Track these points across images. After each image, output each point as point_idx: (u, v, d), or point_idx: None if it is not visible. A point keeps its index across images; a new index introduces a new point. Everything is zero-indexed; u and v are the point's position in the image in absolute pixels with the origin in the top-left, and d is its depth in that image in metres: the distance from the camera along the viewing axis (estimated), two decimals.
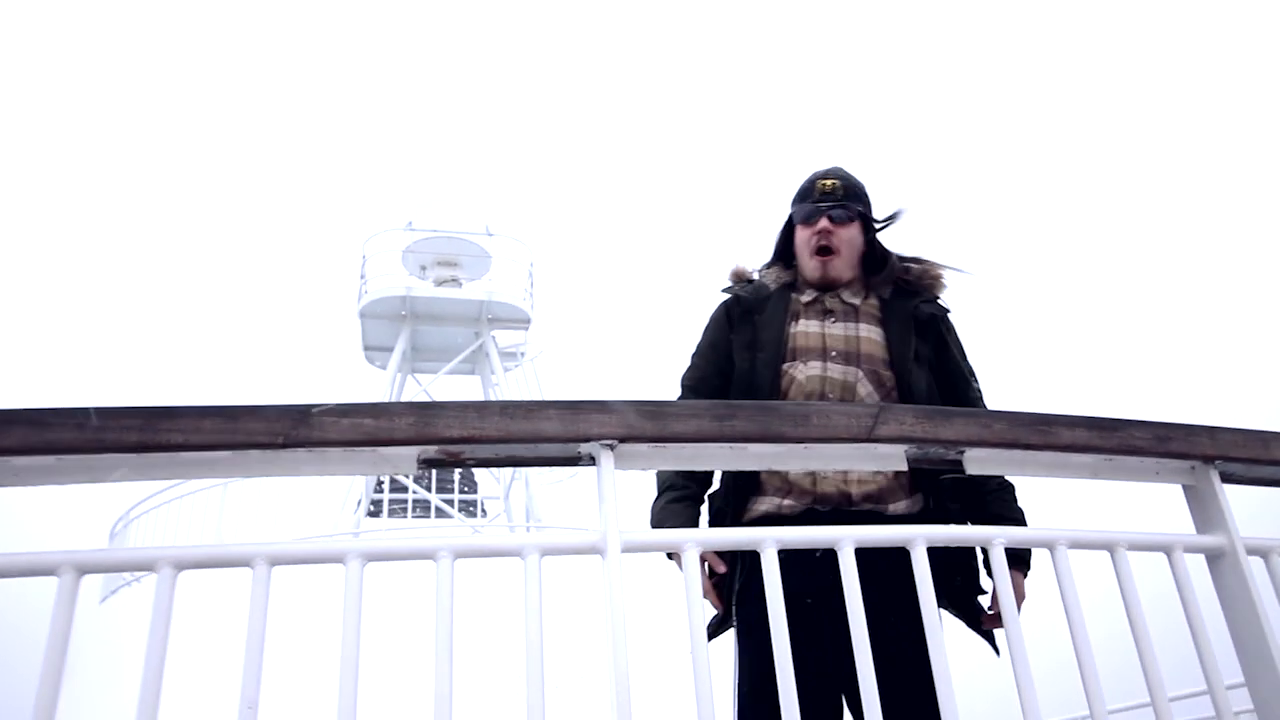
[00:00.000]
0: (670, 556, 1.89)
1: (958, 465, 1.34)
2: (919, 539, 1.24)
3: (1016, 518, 1.80)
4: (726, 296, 2.05)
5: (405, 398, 12.26)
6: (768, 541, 1.19)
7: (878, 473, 1.78)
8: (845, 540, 1.21)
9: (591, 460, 1.22)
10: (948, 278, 2.00)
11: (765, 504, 1.78)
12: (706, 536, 1.21)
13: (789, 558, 1.21)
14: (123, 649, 7.33)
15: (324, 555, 1.12)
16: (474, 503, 11.25)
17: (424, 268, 12.10)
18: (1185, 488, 1.43)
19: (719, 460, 1.25)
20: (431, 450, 1.18)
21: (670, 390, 2.09)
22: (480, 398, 12.30)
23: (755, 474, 1.82)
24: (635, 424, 1.19)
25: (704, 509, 1.91)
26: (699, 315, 2.14)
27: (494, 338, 11.89)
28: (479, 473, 12.33)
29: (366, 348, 12.11)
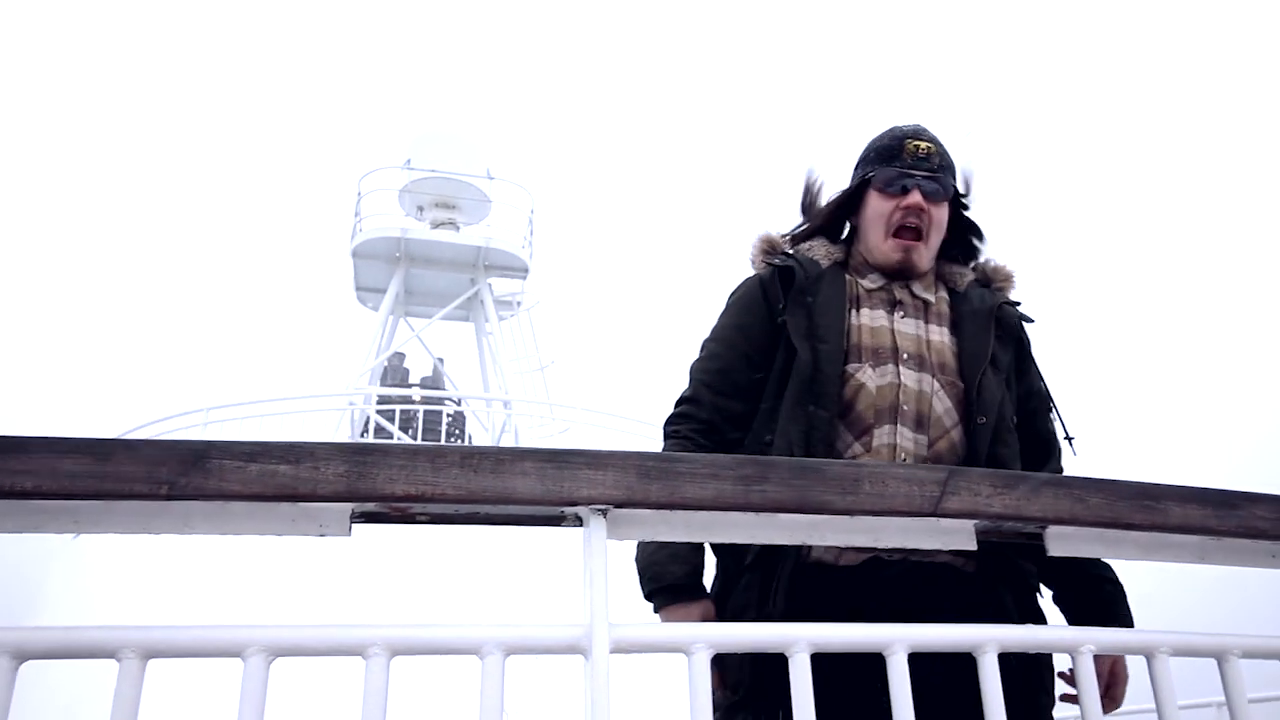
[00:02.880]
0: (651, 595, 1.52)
1: (1036, 541, 1.07)
2: (990, 643, 0.98)
3: (1124, 616, 1.47)
4: (760, 270, 1.64)
5: (398, 342, 11.98)
6: (799, 644, 0.92)
7: None
8: (897, 644, 0.95)
9: (578, 520, 0.95)
10: (1016, 279, 1.66)
11: (816, 549, 1.42)
12: (717, 635, 0.94)
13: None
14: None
15: (217, 647, 0.84)
16: None
17: (421, 208, 11.73)
18: None
19: (740, 530, 0.98)
20: (370, 505, 0.91)
21: (674, 360, 1.72)
22: (474, 349, 12.03)
23: None
24: (637, 486, 0.91)
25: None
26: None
27: (490, 285, 11.56)
28: (470, 420, 12.12)
29: (359, 288, 11.78)
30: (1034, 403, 1.62)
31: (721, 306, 1.69)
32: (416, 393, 11.74)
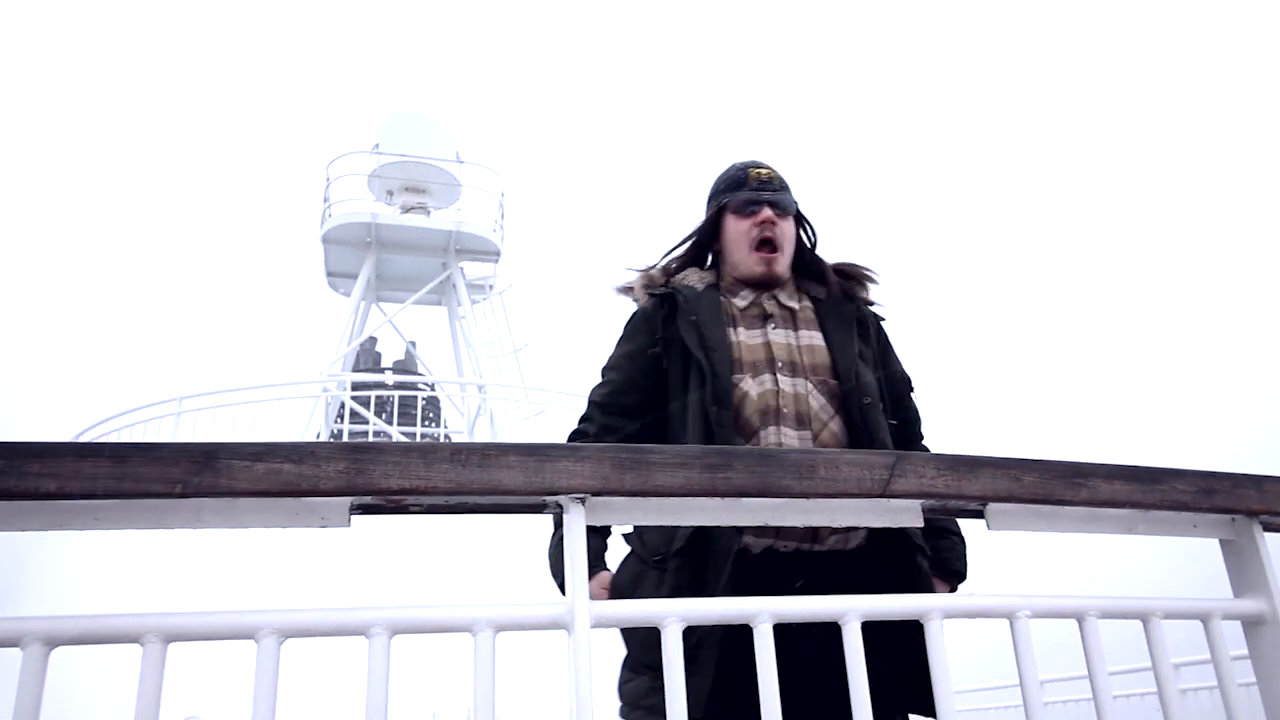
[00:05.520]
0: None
1: (978, 517, 1.17)
2: (935, 611, 1.08)
3: (962, 571, 1.71)
4: (644, 303, 1.82)
5: (370, 327, 11.97)
6: (762, 615, 1.02)
7: None
8: (851, 614, 1.04)
9: (559, 508, 1.03)
10: (875, 280, 1.87)
11: (747, 538, 1.56)
12: (688, 610, 1.03)
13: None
14: None
15: (232, 630, 0.92)
16: (435, 437, 11.06)
17: (390, 193, 11.69)
18: (1223, 543, 1.28)
19: (707, 514, 1.07)
20: (367, 498, 0.99)
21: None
22: (447, 333, 12.04)
23: None
24: (611, 475, 1.00)
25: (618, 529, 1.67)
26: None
27: (462, 269, 11.56)
28: (445, 404, 12.15)
29: (329, 274, 11.74)
30: (897, 386, 1.83)
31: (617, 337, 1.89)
32: (390, 377, 11.75)
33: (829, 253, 1.96)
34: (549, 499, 1.01)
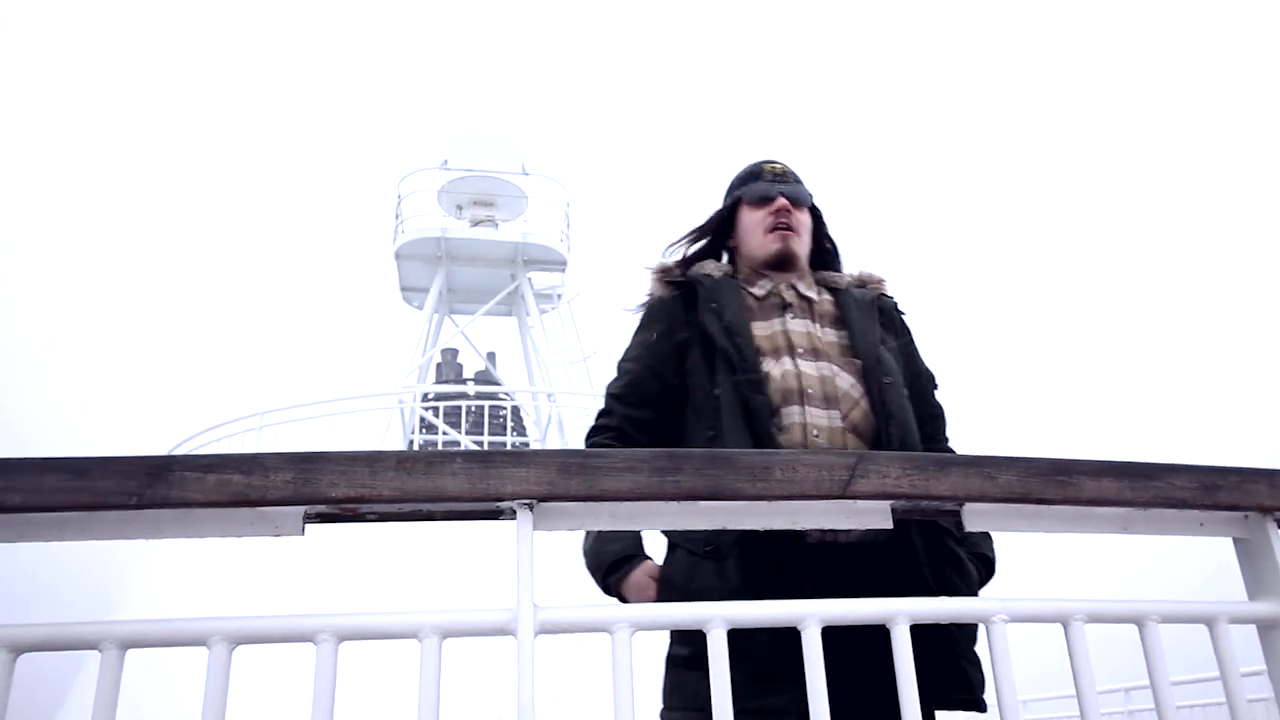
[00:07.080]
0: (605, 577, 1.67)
1: (954, 517, 1.13)
2: (900, 615, 1.04)
3: (991, 557, 1.66)
4: (660, 292, 1.81)
5: (443, 339, 12.21)
6: (715, 621, 1.00)
7: None
8: (810, 619, 1.01)
9: (512, 514, 1.03)
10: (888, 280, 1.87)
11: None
12: (641, 615, 1.02)
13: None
14: None
15: (180, 637, 0.95)
16: (505, 446, 11.21)
17: (460, 207, 11.92)
18: (1236, 541, 1.20)
19: (663, 518, 1.06)
20: (321, 507, 1.00)
21: None
22: (518, 343, 12.20)
23: None
24: (558, 481, 1.00)
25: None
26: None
27: (530, 280, 11.72)
28: (522, 413, 12.29)
29: (403, 288, 12.03)
30: (922, 381, 1.80)
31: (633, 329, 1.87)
32: (472, 388, 11.96)
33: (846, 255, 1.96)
34: (500, 505, 1.01)
